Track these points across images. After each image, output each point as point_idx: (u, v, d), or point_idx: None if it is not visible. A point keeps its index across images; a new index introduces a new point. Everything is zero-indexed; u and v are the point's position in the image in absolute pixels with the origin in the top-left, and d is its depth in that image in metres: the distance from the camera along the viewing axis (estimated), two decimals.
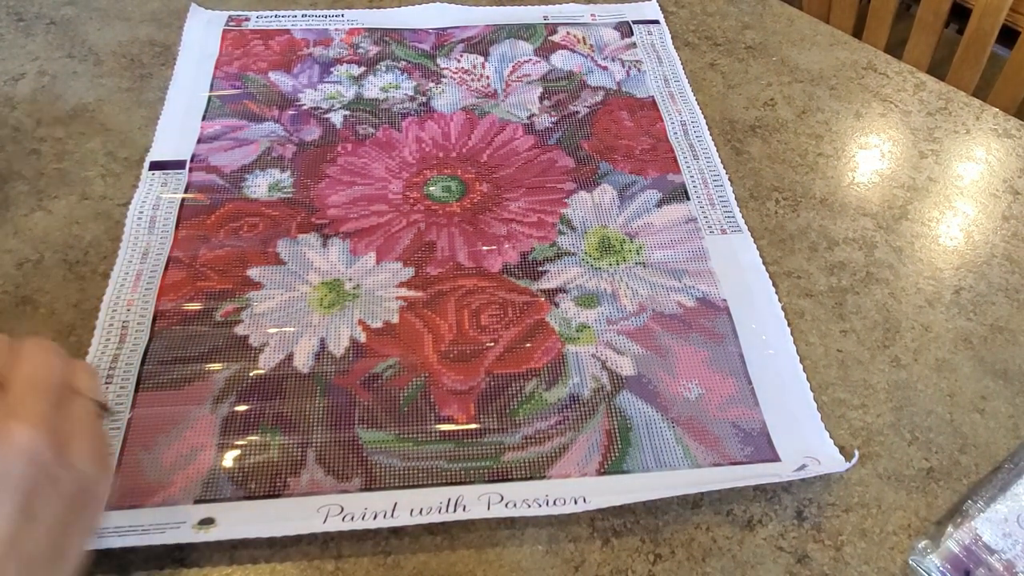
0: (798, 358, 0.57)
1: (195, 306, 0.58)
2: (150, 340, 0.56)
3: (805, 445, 0.52)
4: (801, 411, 0.54)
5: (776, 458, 0.52)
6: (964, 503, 0.50)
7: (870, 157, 0.71)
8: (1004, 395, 0.56)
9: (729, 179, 0.68)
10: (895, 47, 1.22)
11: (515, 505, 0.48)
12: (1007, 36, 1.09)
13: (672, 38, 0.82)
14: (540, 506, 0.48)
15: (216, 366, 0.55)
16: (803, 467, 0.50)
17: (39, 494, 0.35)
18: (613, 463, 0.51)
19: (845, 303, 0.61)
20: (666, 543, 0.49)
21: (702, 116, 0.74)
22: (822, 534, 0.50)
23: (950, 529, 0.48)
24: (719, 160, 0.70)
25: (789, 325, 0.60)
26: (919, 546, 0.49)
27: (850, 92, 0.77)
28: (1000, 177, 0.70)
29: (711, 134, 0.73)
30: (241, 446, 0.51)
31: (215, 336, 0.57)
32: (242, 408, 0.53)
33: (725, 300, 0.60)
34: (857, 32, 1.23)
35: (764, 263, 0.63)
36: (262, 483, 0.50)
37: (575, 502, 0.48)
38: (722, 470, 0.51)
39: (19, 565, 0.34)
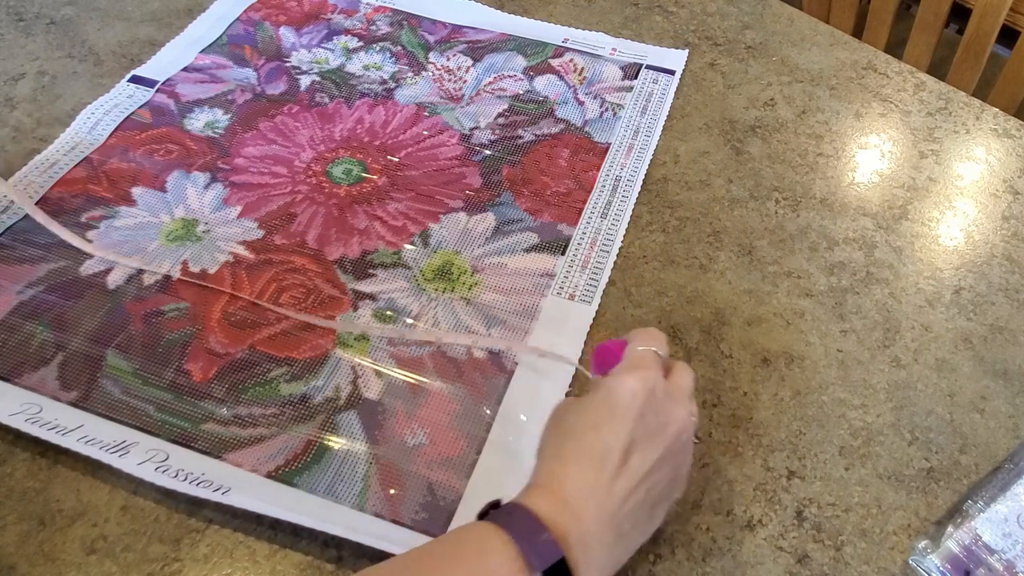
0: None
1: (74, 203, 0.66)
2: (22, 219, 0.64)
3: None
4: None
5: (438, 536, 0.48)
6: (964, 503, 0.50)
7: (870, 157, 0.71)
8: (1004, 395, 0.56)
9: (621, 247, 0.64)
10: (895, 47, 1.22)
11: (168, 471, 0.50)
12: (1007, 36, 1.09)
13: (672, 38, 0.82)
14: (183, 480, 0.50)
15: (48, 255, 0.62)
16: None
17: (676, 452, 0.43)
18: (288, 473, 0.51)
19: (845, 303, 0.61)
20: (666, 543, 0.49)
21: (643, 176, 0.69)
22: (822, 534, 0.50)
23: (950, 529, 0.48)
24: (626, 225, 0.65)
25: (789, 325, 0.60)
26: (919, 546, 0.49)
27: (850, 92, 0.77)
28: (1000, 177, 0.70)
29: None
30: (13, 328, 0.58)
31: (67, 233, 0.63)
32: (42, 297, 0.60)
33: (516, 364, 0.57)
34: (857, 32, 1.23)
35: (765, 262, 0.63)
36: (5, 363, 0.56)
37: (219, 491, 0.49)
38: (379, 524, 0.49)
39: (646, 497, 0.41)
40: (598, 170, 0.70)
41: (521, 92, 0.76)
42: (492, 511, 0.41)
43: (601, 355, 0.51)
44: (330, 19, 0.83)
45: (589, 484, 0.40)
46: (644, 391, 0.42)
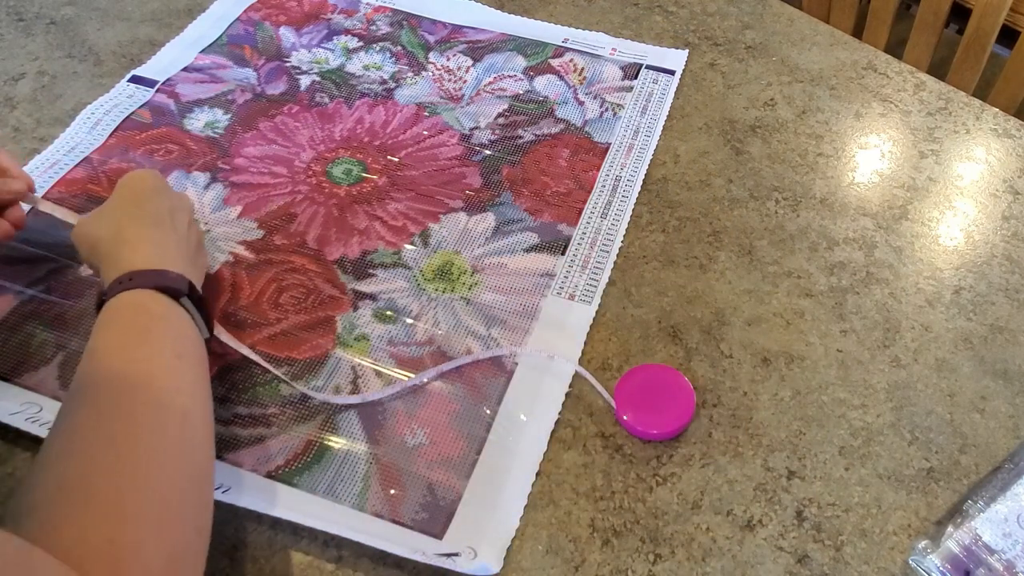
0: (538, 462, 0.52)
1: (74, 203, 0.66)
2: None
3: (477, 536, 0.49)
4: (503, 508, 0.50)
5: (438, 536, 0.49)
6: (964, 503, 0.50)
7: (870, 157, 0.71)
8: (1004, 395, 0.56)
9: (621, 247, 0.64)
10: (895, 47, 1.22)
11: None
12: (1007, 36, 1.08)
13: (672, 38, 0.82)
14: None
15: (48, 256, 0.62)
16: (453, 555, 0.48)
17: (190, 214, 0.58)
18: (288, 472, 0.51)
19: (845, 303, 0.61)
20: (666, 543, 0.49)
21: (643, 176, 0.69)
22: (822, 534, 0.50)
23: (950, 529, 0.48)
24: (626, 225, 0.65)
25: (789, 325, 0.60)
26: (919, 546, 0.49)
27: (850, 92, 0.77)
28: (1000, 177, 0.70)
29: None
30: (13, 328, 0.58)
31: (68, 232, 0.62)
32: (42, 298, 0.60)
33: (516, 364, 0.57)
34: (857, 32, 1.23)
35: (765, 262, 0.63)
36: (5, 362, 0.56)
37: (219, 490, 0.50)
38: (379, 523, 0.49)
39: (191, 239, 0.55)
40: (598, 170, 0.70)
41: (521, 92, 0.76)
42: (111, 289, 0.48)
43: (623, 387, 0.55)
44: (330, 19, 0.83)
45: (159, 240, 0.52)
46: (155, 177, 0.57)
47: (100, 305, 0.48)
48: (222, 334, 0.57)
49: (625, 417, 0.54)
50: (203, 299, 0.51)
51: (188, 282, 0.50)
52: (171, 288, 0.49)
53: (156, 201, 0.55)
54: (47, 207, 0.61)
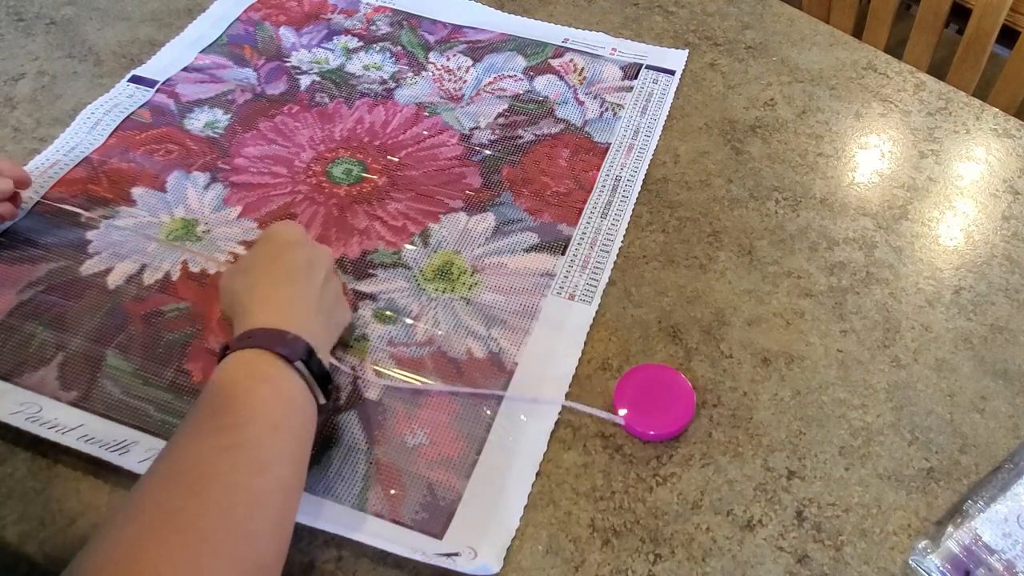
0: (538, 462, 0.53)
1: (75, 202, 0.66)
2: (23, 218, 0.64)
3: (477, 536, 0.49)
4: (503, 508, 0.50)
5: (438, 536, 0.49)
6: (964, 503, 0.50)
7: (870, 157, 0.71)
8: (1004, 395, 0.56)
9: (621, 247, 0.64)
10: (895, 47, 1.22)
11: None
12: (1007, 36, 1.08)
13: (672, 38, 0.82)
14: None
15: (48, 255, 0.62)
16: (453, 555, 0.48)
17: (330, 276, 0.55)
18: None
19: (845, 303, 0.61)
20: (666, 543, 0.49)
21: (643, 176, 0.69)
22: (822, 534, 0.50)
23: (950, 529, 0.48)
24: (626, 225, 0.65)
25: (789, 325, 0.60)
26: (919, 546, 0.49)
27: (850, 92, 0.77)
28: (1000, 177, 0.70)
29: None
30: (13, 328, 0.58)
31: (68, 232, 0.64)
32: (42, 298, 0.60)
33: (516, 364, 0.57)
34: (857, 32, 1.23)
35: (765, 262, 0.63)
36: (5, 363, 0.56)
37: None
38: (379, 523, 0.49)
39: (325, 299, 0.53)
40: (598, 170, 0.70)
41: (521, 92, 0.76)
42: (233, 345, 0.47)
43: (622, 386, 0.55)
44: (330, 19, 0.83)
45: (292, 297, 0.51)
46: (295, 229, 0.55)
47: (221, 358, 0.47)
48: (367, 371, 0.56)
49: (622, 412, 0.54)
50: (321, 363, 0.49)
51: (306, 346, 0.47)
52: (285, 350, 0.47)
53: (293, 254, 0.53)
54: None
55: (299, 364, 0.47)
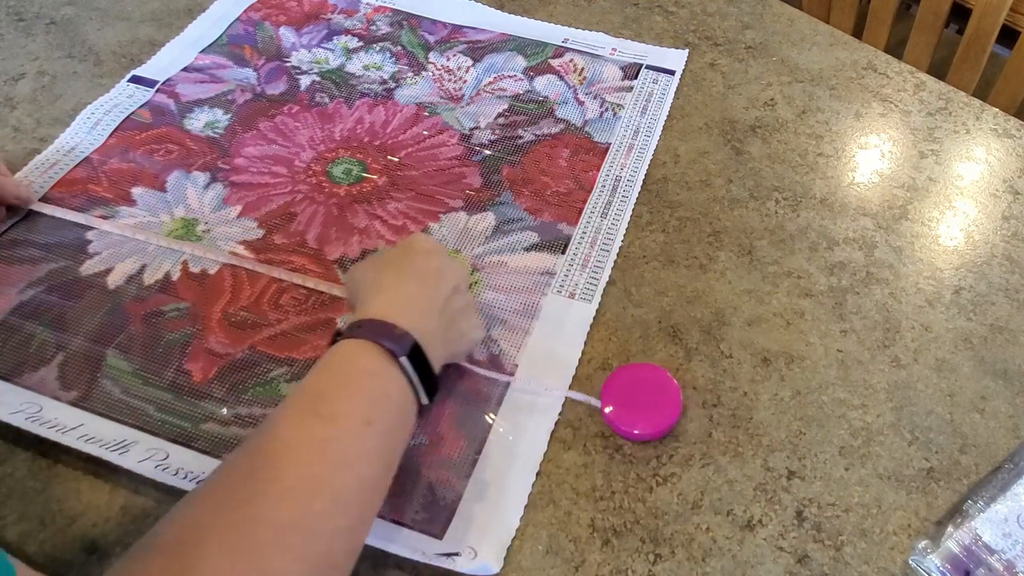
0: (537, 464, 0.52)
1: (75, 202, 0.66)
2: (24, 217, 0.64)
3: (477, 536, 0.49)
4: (503, 508, 0.50)
5: (438, 536, 0.49)
6: (964, 503, 0.50)
7: (870, 157, 0.71)
8: (1004, 395, 0.56)
9: (621, 247, 0.64)
10: (895, 47, 1.22)
11: (168, 469, 0.50)
12: (1007, 36, 1.08)
13: (672, 38, 0.82)
14: (183, 478, 0.50)
15: (48, 256, 0.62)
16: (453, 555, 0.48)
17: (463, 289, 0.54)
18: None
19: (845, 303, 0.61)
20: (666, 543, 0.49)
21: (643, 176, 0.69)
22: (822, 534, 0.50)
23: (950, 529, 0.48)
24: (626, 225, 0.65)
25: (789, 325, 0.60)
26: (919, 546, 0.49)
27: (850, 92, 0.77)
28: (1000, 177, 0.70)
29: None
30: (13, 328, 0.58)
31: (68, 232, 0.64)
32: (42, 298, 0.60)
33: (516, 366, 0.57)
34: (857, 32, 1.23)
35: (765, 262, 0.63)
36: (5, 363, 0.56)
37: None
38: (379, 523, 0.49)
39: (450, 312, 0.51)
40: (598, 170, 0.70)
41: (521, 92, 0.76)
42: (346, 332, 0.47)
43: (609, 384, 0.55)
44: (330, 19, 0.83)
45: (414, 294, 0.50)
46: (432, 240, 0.55)
47: (332, 344, 0.47)
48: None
49: (608, 409, 0.54)
50: (428, 364, 0.47)
51: (413, 343, 0.46)
52: (391, 344, 0.45)
53: (425, 259, 0.52)
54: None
55: (404, 360, 0.46)
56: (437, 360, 0.49)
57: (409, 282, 0.50)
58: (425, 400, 0.48)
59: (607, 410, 0.54)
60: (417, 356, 0.46)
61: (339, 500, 0.40)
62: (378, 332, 0.46)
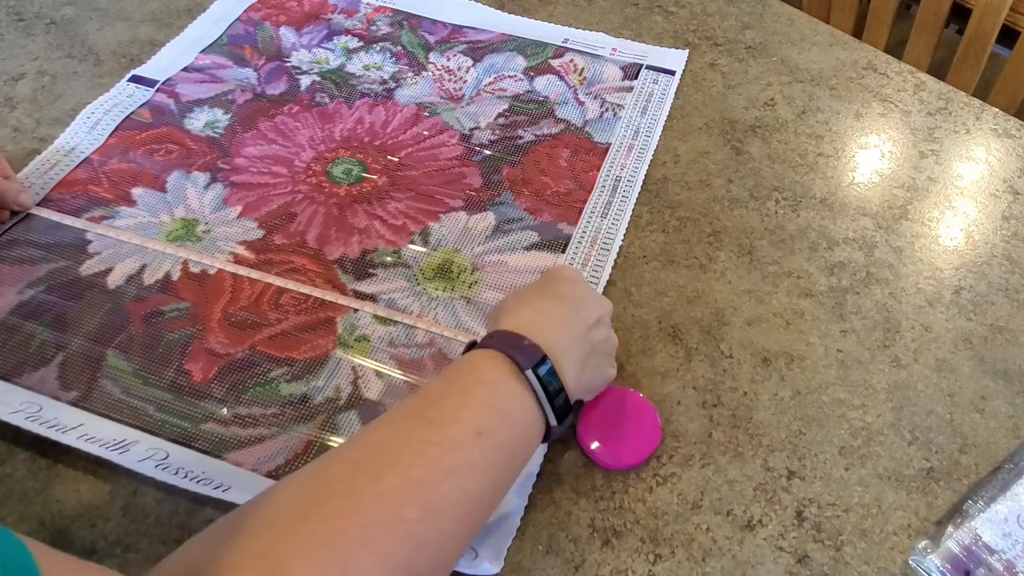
0: (538, 462, 0.52)
1: (75, 203, 0.66)
2: (24, 218, 0.64)
3: (477, 536, 0.47)
4: (503, 508, 0.50)
5: None
6: (964, 503, 0.50)
7: (870, 157, 0.71)
8: (1004, 395, 0.56)
9: (621, 247, 0.64)
10: (895, 47, 1.22)
11: (168, 469, 0.50)
12: (1007, 36, 1.08)
13: (672, 38, 0.82)
14: (183, 477, 0.50)
15: (48, 256, 0.62)
16: None
17: (605, 323, 0.52)
18: (288, 472, 0.50)
19: (845, 303, 0.61)
20: (666, 543, 0.49)
21: (643, 176, 0.69)
22: (822, 534, 0.50)
23: (950, 529, 0.48)
24: (626, 225, 0.65)
25: (789, 325, 0.60)
26: (919, 546, 0.49)
27: (850, 92, 0.77)
28: (1000, 177, 0.70)
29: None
30: (13, 328, 0.58)
31: (68, 232, 0.64)
32: (42, 298, 0.59)
33: None
34: (857, 32, 1.23)
35: (765, 262, 0.63)
36: (5, 363, 0.56)
37: (220, 488, 0.49)
38: None
39: (591, 341, 0.49)
40: (598, 170, 0.70)
41: (521, 92, 0.76)
42: (480, 343, 0.46)
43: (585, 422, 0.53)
44: (330, 19, 0.83)
45: (552, 312, 0.48)
46: (577, 272, 0.54)
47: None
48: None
49: (594, 445, 0.52)
50: (559, 382, 0.45)
51: (542, 356, 0.44)
52: (517, 355, 0.44)
53: (569, 286, 0.50)
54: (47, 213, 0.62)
55: (529, 373, 0.43)
56: (573, 383, 0.46)
57: (548, 302, 0.49)
58: (554, 422, 0.45)
59: (593, 446, 0.52)
60: (547, 373, 0.44)
61: (433, 509, 0.38)
62: (506, 342, 0.44)
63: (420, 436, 0.40)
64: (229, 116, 0.73)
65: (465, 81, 0.77)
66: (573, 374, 0.46)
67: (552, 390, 0.44)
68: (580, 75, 0.78)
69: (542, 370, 0.44)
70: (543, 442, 0.46)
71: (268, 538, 0.35)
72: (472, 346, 0.47)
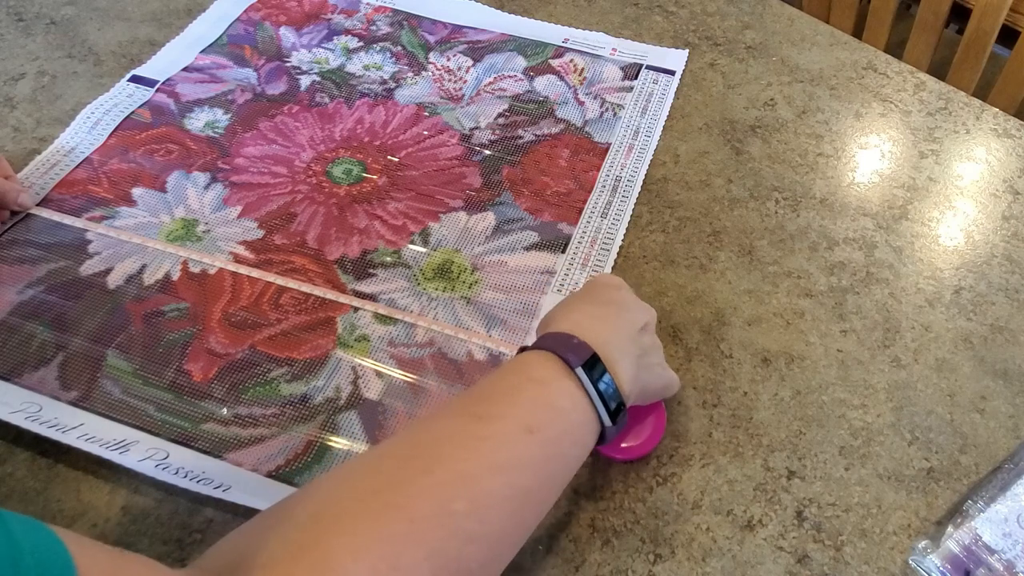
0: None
1: (75, 203, 0.66)
2: (24, 218, 0.64)
3: None
4: None
5: None
6: (964, 503, 0.50)
7: (870, 157, 0.71)
8: (1004, 395, 0.56)
9: (621, 247, 0.64)
10: (895, 47, 1.22)
11: (168, 469, 0.50)
12: (1007, 36, 1.08)
13: (672, 38, 0.82)
14: (183, 477, 0.50)
15: (48, 256, 0.62)
16: None
17: (652, 331, 0.52)
18: (289, 472, 0.51)
19: (845, 303, 0.61)
20: (666, 543, 0.49)
21: (643, 176, 0.69)
22: (822, 534, 0.50)
23: (950, 529, 0.48)
24: (626, 225, 0.65)
25: (789, 325, 0.60)
26: (919, 546, 0.49)
27: (850, 92, 0.77)
28: (1000, 177, 0.70)
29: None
30: (13, 328, 0.58)
31: (68, 232, 0.64)
32: (42, 298, 0.60)
33: None
34: (857, 32, 1.23)
35: (765, 262, 0.63)
36: (5, 363, 0.56)
37: (220, 488, 0.49)
38: None
39: (641, 343, 0.48)
40: (598, 170, 0.70)
41: (521, 92, 0.76)
42: (532, 346, 0.46)
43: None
44: (330, 19, 0.83)
45: (599, 315, 0.48)
46: (619, 279, 0.53)
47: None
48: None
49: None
50: (613, 383, 0.44)
51: (592, 355, 0.44)
52: (567, 353, 0.43)
53: (615, 291, 0.51)
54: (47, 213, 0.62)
55: (579, 371, 0.43)
56: (627, 383, 0.45)
57: (595, 306, 0.48)
58: (608, 422, 0.44)
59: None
60: (599, 372, 0.44)
61: (482, 504, 0.38)
62: (557, 343, 0.44)
63: (470, 432, 0.40)
64: (229, 116, 0.73)
65: (465, 81, 0.77)
66: (628, 374, 0.46)
67: (604, 389, 0.44)
68: (580, 75, 0.78)
69: (594, 370, 0.43)
70: (597, 444, 0.45)
71: (315, 531, 0.35)
72: (522, 351, 0.46)
